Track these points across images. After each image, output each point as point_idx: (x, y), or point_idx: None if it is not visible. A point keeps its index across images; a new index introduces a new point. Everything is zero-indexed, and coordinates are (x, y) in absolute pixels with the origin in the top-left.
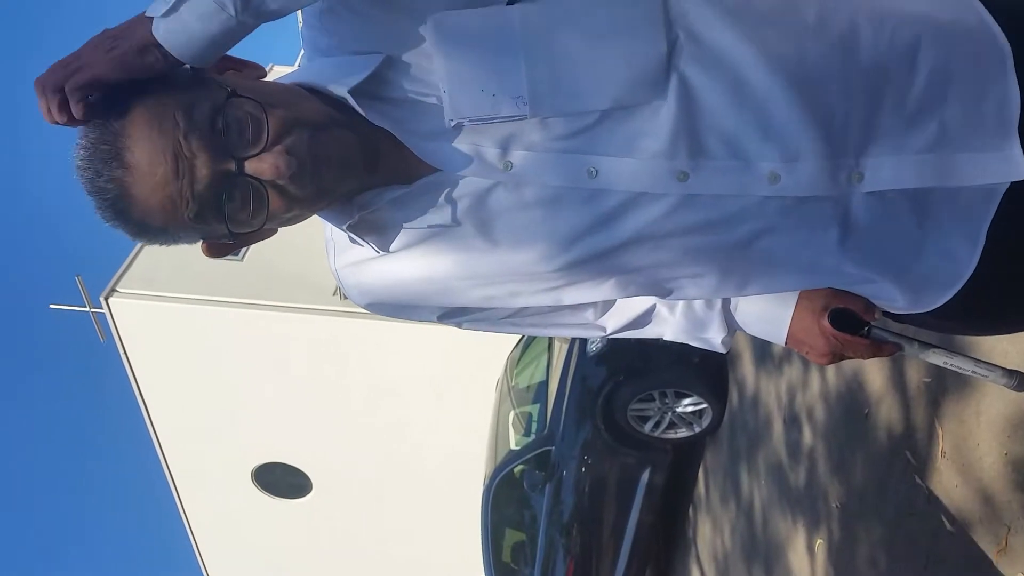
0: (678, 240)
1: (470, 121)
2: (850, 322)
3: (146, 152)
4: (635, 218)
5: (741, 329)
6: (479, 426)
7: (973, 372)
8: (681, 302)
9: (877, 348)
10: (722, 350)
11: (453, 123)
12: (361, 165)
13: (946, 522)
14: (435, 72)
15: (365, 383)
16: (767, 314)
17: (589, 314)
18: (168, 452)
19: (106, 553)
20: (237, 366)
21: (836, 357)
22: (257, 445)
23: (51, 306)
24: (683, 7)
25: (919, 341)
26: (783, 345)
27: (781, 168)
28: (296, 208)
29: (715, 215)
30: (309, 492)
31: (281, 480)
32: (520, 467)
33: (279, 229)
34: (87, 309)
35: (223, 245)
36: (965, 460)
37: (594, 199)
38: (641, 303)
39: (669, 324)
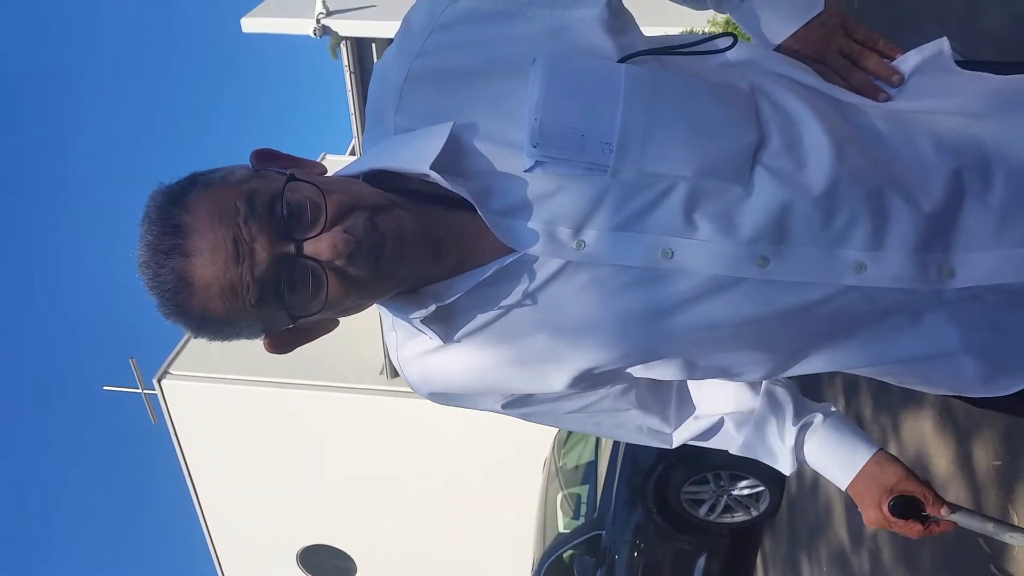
0: (751, 327)
1: (550, 159)
2: (912, 506)
3: (207, 240)
4: (709, 302)
5: (806, 463)
6: (527, 508)
7: None
8: (751, 425)
9: (928, 532)
10: (785, 474)
11: (531, 164)
12: (423, 249)
13: None
14: (529, 100)
15: (411, 463)
16: (836, 464)
17: (656, 420)
18: (215, 533)
19: None
20: (284, 446)
21: (883, 528)
22: (303, 526)
23: (105, 388)
24: (776, 104)
25: (995, 521)
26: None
27: (867, 257)
28: (355, 292)
29: (794, 302)
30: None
31: (326, 562)
32: (569, 552)
33: (340, 320)
34: (140, 391)
35: (285, 340)
36: None
37: (668, 282)
38: (708, 417)
39: (735, 441)
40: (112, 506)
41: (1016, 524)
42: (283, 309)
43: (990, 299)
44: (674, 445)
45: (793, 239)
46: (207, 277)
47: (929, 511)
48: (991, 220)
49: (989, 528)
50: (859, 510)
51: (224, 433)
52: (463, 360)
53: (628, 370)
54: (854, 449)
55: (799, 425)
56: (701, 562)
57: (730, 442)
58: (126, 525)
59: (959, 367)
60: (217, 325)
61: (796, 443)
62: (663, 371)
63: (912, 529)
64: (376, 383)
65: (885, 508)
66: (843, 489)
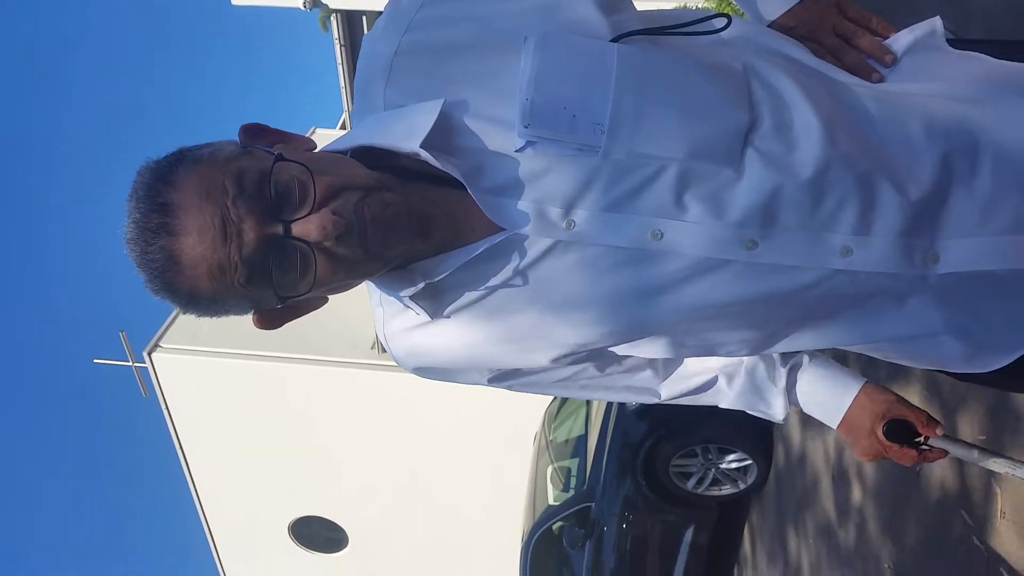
0: (738, 308)
1: (541, 138)
2: (905, 431)
3: (195, 220)
4: (697, 283)
5: (797, 405)
6: (517, 480)
7: None
8: (743, 375)
9: (922, 457)
10: (778, 420)
11: (522, 144)
12: (410, 230)
13: None
14: (521, 79)
15: (402, 436)
16: (826, 398)
17: (646, 375)
18: (207, 505)
19: None
20: (276, 419)
21: (878, 457)
22: (294, 498)
23: (95, 361)
24: (768, 85)
25: (979, 448)
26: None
27: (853, 242)
28: (343, 272)
29: (781, 284)
30: (345, 546)
31: (317, 534)
32: (559, 524)
33: (328, 297)
34: (130, 364)
35: (274, 316)
36: None
37: (656, 262)
38: (700, 374)
39: (726, 396)
40: (104, 478)
41: (1001, 453)
42: (271, 289)
43: (974, 284)
44: (662, 399)
45: (781, 223)
46: (195, 256)
47: (923, 431)
48: (976, 207)
49: (974, 455)
50: (851, 445)
51: (216, 406)
52: (450, 336)
53: (614, 348)
54: (844, 383)
55: (788, 366)
56: (689, 534)
57: (721, 397)
58: (118, 497)
59: (942, 346)
60: (205, 302)
61: (788, 383)
62: (650, 349)
63: (906, 455)
64: (367, 357)
65: (879, 432)
66: (835, 427)
